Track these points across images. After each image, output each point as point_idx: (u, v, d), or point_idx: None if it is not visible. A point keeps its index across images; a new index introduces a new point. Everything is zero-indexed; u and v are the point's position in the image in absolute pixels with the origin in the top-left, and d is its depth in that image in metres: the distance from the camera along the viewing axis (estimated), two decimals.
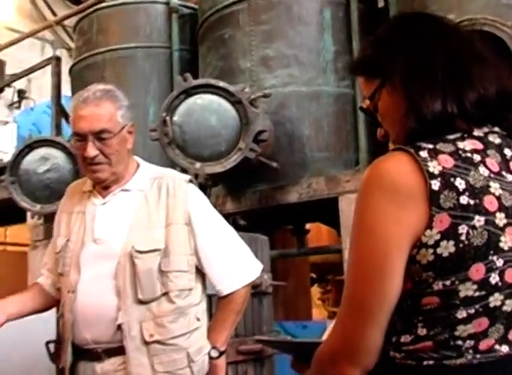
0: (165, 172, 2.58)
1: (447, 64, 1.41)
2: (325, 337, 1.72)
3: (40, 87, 11.19)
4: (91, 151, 2.36)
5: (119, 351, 2.31)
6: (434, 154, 1.32)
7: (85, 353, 2.39)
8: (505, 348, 1.33)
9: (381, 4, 5.09)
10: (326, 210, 4.50)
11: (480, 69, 1.41)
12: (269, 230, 4.45)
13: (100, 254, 2.40)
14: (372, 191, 1.32)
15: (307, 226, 5.16)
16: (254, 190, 4.63)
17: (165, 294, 2.33)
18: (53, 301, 2.63)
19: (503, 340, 1.33)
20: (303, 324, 4.91)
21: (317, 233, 6.45)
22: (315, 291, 9.70)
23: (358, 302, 1.33)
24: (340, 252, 4.31)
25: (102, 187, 2.49)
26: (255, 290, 3.06)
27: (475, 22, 3.67)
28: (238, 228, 2.90)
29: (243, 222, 4.62)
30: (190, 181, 2.52)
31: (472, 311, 1.30)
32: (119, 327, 2.31)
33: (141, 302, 2.32)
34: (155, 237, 2.37)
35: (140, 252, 2.33)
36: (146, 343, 2.30)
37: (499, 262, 1.30)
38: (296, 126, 4.56)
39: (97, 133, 2.36)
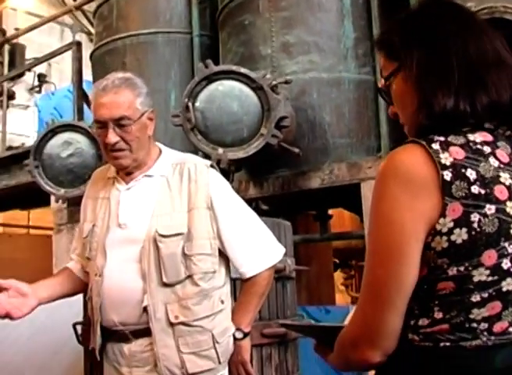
0: (186, 157, 2.61)
1: (464, 64, 1.44)
2: (347, 321, 1.77)
3: (60, 72, 11.30)
4: (112, 137, 2.40)
5: (146, 332, 2.37)
6: (445, 146, 1.37)
7: (113, 334, 2.45)
8: None
9: None
10: (348, 196, 4.54)
11: (497, 73, 1.44)
12: (292, 216, 4.50)
13: (125, 238, 2.45)
14: (388, 181, 1.38)
15: (330, 211, 5.19)
16: (276, 175, 4.69)
17: (189, 277, 2.38)
18: (83, 286, 2.68)
19: None
20: (326, 309, 4.95)
21: (339, 218, 6.49)
22: (338, 276, 9.74)
23: (377, 288, 1.39)
24: (363, 238, 4.35)
25: (125, 173, 2.53)
26: (279, 274, 3.10)
27: (495, 10, 3.68)
28: (260, 213, 2.93)
29: (266, 207, 4.67)
30: (212, 166, 2.56)
31: (486, 295, 1.35)
32: (145, 310, 2.35)
33: (166, 285, 2.36)
34: (178, 222, 2.41)
35: (164, 236, 2.38)
36: (171, 324, 2.35)
37: (511, 249, 1.35)
38: (317, 112, 4.60)
39: (116, 120, 2.40)
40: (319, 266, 6.24)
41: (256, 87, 4.19)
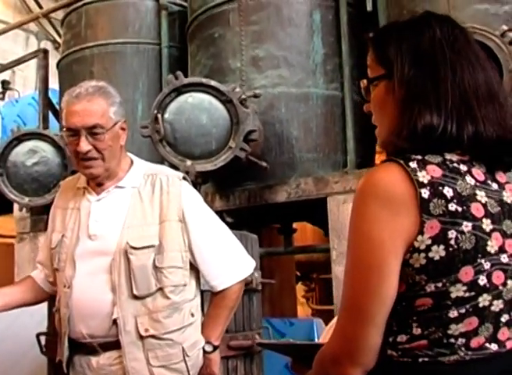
0: (158, 168, 2.60)
1: (457, 93, 1.45)
2: (322, 337, 1.79)
3: (24, 79, 11.16)
4: (84, 146, 2.37)
5: (115, 345, 2.35)
6: (423, 164, 1.40)
7: (81, 347, 2.42)
8: (494, 346, 1.41)
9: (369, 8, 5.15)
10: (314, 210, 4.57)
11: (486, 107, 1.46)
12: (256, 228, 4.50)
13: (95, 250, 2.43)
14: (367, 199, 1.40)
15: (294, 225, 5.22)
16: (242, 188, 4.70)
17: (160, 289, 2.37)
18: (44, 296, 2.67)
19: (492, 338, 1.41)
20: (290, 321, 4.98)
21: (302, 232, 6.51)
22: (299, 288, 9.76)
23: (357, 304, 1.40)
24: (327, 251, 4.37)
25: (96, 184, 2.51)
26: (246, 287, 3.09)
27: None
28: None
29: (230, 219, 4.67)
30: (184, 178, 2.55)
31: (463, 311, 1.38)
32: (115, 322, 2.34)
33: (136, 298, 2.35)
34: (149, 234, 2.40)
35: (135, 248, 2.36)
36: (141, 337, 2.34)
37: (487, 265, 1.38)
38: (285, 126, 4.62)
39: (89, 128, 2.37)
40: (282, 278, 6.26)
41: (225, 101, 4.21)
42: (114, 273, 2.36)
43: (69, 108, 2.42)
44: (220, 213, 4.69)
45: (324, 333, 1.80)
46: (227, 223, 2.59)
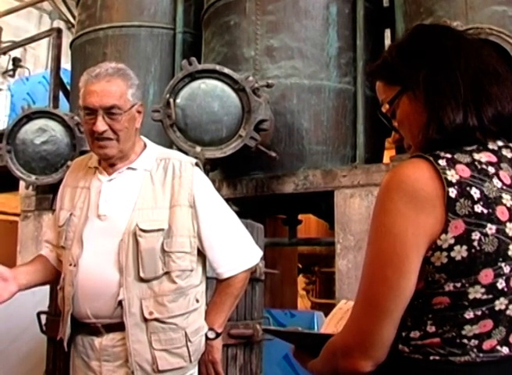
0: (171, 153, 2.61)
1: (468, 80, 1.47)
2: (323, 327, 1.79)
3: (35, 57, 11.16)
4: (100, 125, 2.38)
5: (119, 327, 2.35)
6: (452, 163, 1.40)
7: (84, 327, 2.43)
8: (505, 349, 1.41)
9: (386, 3, 5.15)
10: (320, 203, 4.57)
11: (498, 87, 1.48)
12: (261, 218, 4.50)
13: (103, 230, 2.43)
14: (392, 195, 1.39)
15: (299, 216, 5.22)
16: (250, 177, 4.70)
17: (167, 273, 2.37)
18: (56, 274, 2.65)
19: (504, 341, 1.41)
20: (291, 312, 4.98)
21: (306, 224, 6.52)
22: (300, 281, 9.78)
23: (375, 299, 1.40)
24: (331, 245, 4.38)
25: (108, 165, 2.51)
26: (250, 276, 3.11)
27: (481, 31, 3.73)
28: None
29: (236, 208, 4.68)
30: (196, 164, 2.55)
31: (479, 313, 1.38)
32: (120, 303, 2.34)
33: (143, 280, 2.35)
34: (159, 218, 2.40)
35: (144, 231, 2.37)
36: (145, 320, 2.34)
37: (507, 269, 1.38)
38: (296, 118, 4.62)
39: (107, 108, 2.38)
40: (284, 270, 6.26)
41: (238, 89, 4.21)
42: (122, 254, 2.36)
43: (87, 87, 2.42)
44: (226, 201, 4.70)
45: (324, 324, 1.80)
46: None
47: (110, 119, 2.39)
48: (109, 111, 2.39)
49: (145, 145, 2.58)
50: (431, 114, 1.46)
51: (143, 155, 2.54)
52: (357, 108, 4.61)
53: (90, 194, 2.50)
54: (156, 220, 2.40)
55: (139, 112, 2.51)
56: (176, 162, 2.50)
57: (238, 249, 2.56)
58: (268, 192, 4.60)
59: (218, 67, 4.30)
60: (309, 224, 7.73)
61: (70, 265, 2.44)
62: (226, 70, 4.25)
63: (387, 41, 5.17)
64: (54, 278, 2.67)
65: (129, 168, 2.50)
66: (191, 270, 2.44)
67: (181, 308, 2.40)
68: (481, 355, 1.39)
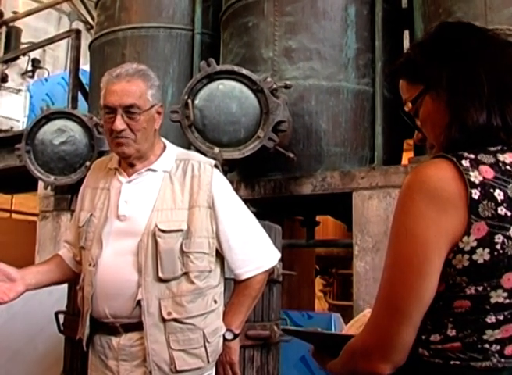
0: (190, 154, 2.62)
1: (492, 80, 1.45)
2: (346, 328, 1.78)
3: (54, 58, 11.23)
4: (119, 124, 2.40)
5: (137, 326, 2.36)
6: (475, 164, 1.38)
7: (102, 326, 2.44)
8: None
9: (405, 5, 5.13)
10: (338, 204, 4.56)
11: None
12: (278, 219, 4.49)
13: (123, 230, 2.44)
14: (413, 196, 1.37)
15: (317, 218, 5.21)
16: (268, 179, 4.69)
17: (185, 274, 2.38)
18: (72, 275, 2.67)
19: None
20: (308, 314, 4.96)
21: (323, 225, 6.51)
22: (317, 282, 9.76)
23: (395, 302, 1.38)
24: (349, 247, 4.37)
25: (128, 165, 2.53)
26: (268, 277, 3.11)
27: (500, 32, 3.69)
28: None
29: (254, 209, 4.68)
30: (215, 166, 2.56)
31: (501, 317, 1.37)
32: (138, 303, 2.35)
33: (161, 280, 2.36)
34: (179, 218, 2.41)
35: (163, 232, 2.37)
36: (164, 320, 2.35)
37: None
38: (314, 119, 4.61)
39: (126, 107, 2.40)
40: (301, 271, 6.25)
41: (256, 90, 4.20)
42: (141, 254, 2.37)
43: (108, 87, 2.45)
44: (244, 202, 4.70)
45: (346, 328, 1.79)
46: None
47: (129, 119, 2.41)
48: (128, 110, 2.41)
49: (165, 147, 2.60)
50: (453, 114, 1.45)
51: (162, 156, 2.55)
52: (376, 109, 4.59)
53: (109, 195, 2.52)
54: (175, 221, 2.40)
55: (158, 113, 2.52)
56: (195, 163, 2.51)
57: (256, 251, 2.56)
58: (285, 193, 4.59)
59: (236, 68, 4.29)
60: (327, 226, 7.71)
61: (90, 265, 2.45)
62: (244, 71, 4.25)
63: (406, 42, 5.15)
64: (68, 278, 2.70)
65: (148, 169, 2.51)
66: (209, 271, 2.45)
67: (199, 309, 2.40)
68: (502, 360, 1.37)
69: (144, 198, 2.47)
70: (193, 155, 2.64)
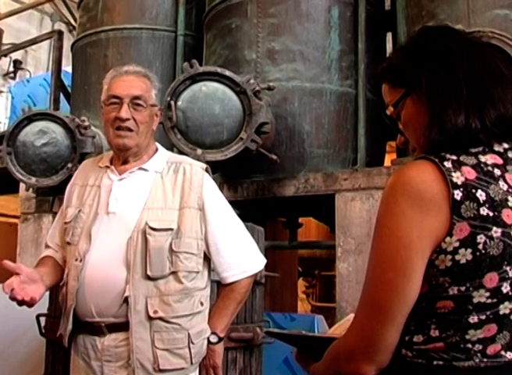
0: (182, 158, 2.68)
1: (471, 82, 1.46)
2: (332, 330, 1.78)
3: (36, 59, 11.17)
4: (125, 112, 2.45)
5: (122, 327, 2.36)
6: (457, 165, 1.38)
7: (86, 326, 2.43)
8: (510, 354, 1.40)
9: (388, 7, 5.15)
10: (321, 206, 4.56)
11: (501, 89, 1.47)
12: (261, 221, 4.49)
13: (112, 227, 2.46)
14: (396, 197, 1.38)
15: (300, 220, 5.21)
16: (251, 180, 4.69)
17: (174, 273, 2.40)
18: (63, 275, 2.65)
19: (508, 346, 1.40)
20: (291, 316, 4.95)
21: (306, 227, 6.51)
22: (300, 284, 9.77)
23: (379, 303, 1.39)
24: (332, 248, 4.37)
25: (122, 162, 2.56)
26: None
27: (483, 35, 3.73)
28: None
29: (237, 210, 4.66)
30: (206, 170, 2.60)
31: (483, 317, 1.37)
32: (125, 301, 2.35)
33: (149, 278, 2.37)
34: (169, 218, 2.44)
35: (154, 230, 2.40)
36: (150, 318, 2.35)
37: None
38: (297, 121, 4.61)
39: (134, 98, 2.47)
40: (284, 273, 6.25)
41: (239, 91, 4.20)
42: (130, 251, 2.38)
43: (116, 79, 2.54)
44: None
45: (332, 330, 1.79)
46: None
47: (134, 110, 2.48)
48: (135, 101, 2.48)
49: (157, 149, 2.65)
50: (432, 116, 1.46)
51: (154, 157, 2.60)
52: (359, 111, 4.60)
53: (100, 192, 2.54)
54: (166, 220, 2.43)
55: (157, 115, 2.60)
56: (187, 165, 2.56)
57: (243, 255, 2.59)
58: (268, 195, 4.59)
59: (219, 70, 4.29)
60: (309, 227, 7.72)
61: (76, 260, 2.45)
62: (227, 73, 4.25)
63: (389, 45, 5.16)
64: (62, 278, 2.67)
65: (140, 168, 2.55)
66: (197, 272, 2.47)
67: (186, 310, 2.41)
68: (485, 360, 1.38)
69: (134, 196, 2.49)
70: (185, 158, 2.69)
